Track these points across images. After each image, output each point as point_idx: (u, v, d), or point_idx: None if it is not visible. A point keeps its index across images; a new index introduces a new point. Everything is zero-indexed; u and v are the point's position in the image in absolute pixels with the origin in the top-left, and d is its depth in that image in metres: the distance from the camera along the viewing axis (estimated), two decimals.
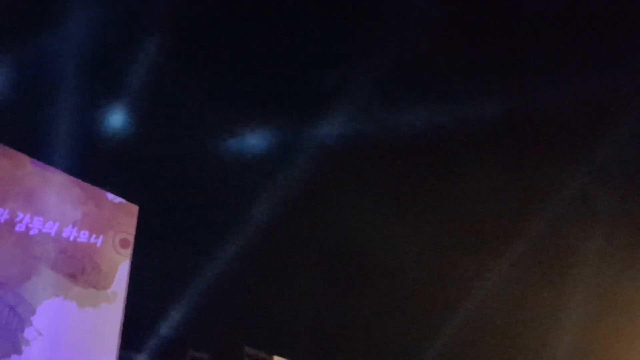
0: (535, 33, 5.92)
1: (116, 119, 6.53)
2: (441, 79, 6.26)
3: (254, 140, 6.83)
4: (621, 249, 7.10)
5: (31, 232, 5.39)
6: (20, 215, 5.37)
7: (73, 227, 5.69)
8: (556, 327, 7.79)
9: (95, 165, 6.22)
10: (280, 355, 7.53)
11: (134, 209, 6.27)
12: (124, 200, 6.20)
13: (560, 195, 6.83)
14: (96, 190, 5.96)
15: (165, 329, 7.40)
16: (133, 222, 6.23)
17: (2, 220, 5.24)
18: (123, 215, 6.18)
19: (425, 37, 5.95)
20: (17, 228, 5.32)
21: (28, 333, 5.19)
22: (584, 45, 5.93)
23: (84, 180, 5.83)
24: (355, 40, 6.21)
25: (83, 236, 5.76)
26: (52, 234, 5.53)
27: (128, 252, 6.10)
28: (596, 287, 7.41)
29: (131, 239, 6.17)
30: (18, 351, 5.07)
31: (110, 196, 6.10)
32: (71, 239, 5.66)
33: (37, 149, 5.58)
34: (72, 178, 5.78)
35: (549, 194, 6.82)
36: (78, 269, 5.68)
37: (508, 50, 6.07)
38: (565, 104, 6.14)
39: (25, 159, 5.50)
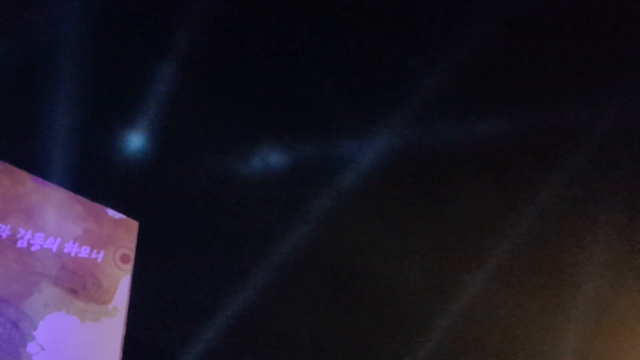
0: (555, 47, 6.01)
1: (118, 134, 6.62)
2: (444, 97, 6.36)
3: (262, 160, 6.91)
4: (618, 257, 7.15)
5: (32, 248, 5.49)
6: (22, 231, 5.46)
7: (74, 242, 5.78)
8: (555, 333, 7.82)
9: (95, 181, 6.32)
10: None
11: (134, 224, 6.36)
12: (124, 216, 6.29)
13: (556, 204, 6.91)
14: (96, 206, 6.05)
15: (165, 344, 7.44)
16: (133, 237, 6.31)
17: (4, 236, 5.33)
18: (123, 231, 6.27)
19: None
20: (18, 244, 5.42)
21: (30, 348, 5.27)
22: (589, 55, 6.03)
23: (84, 196, 5.94)
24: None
25: (84, 252, 5.85)
26: (54, 250, 5.62)
27: (129, 267, 6.18)
28: (595, 295, 7.44)
29: (132, 254, 6.25)
30: None
31: (111, 212, 6.19)
32: (72, 254, 5.75)
33: (37, 165, 5.70)
34: (72, 194, 5.88)
35: (546, 204, 6.89)
36: (79, 284, 5.76)
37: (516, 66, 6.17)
38: (561, 121, 6.26)
39: (25, 175, 5.61)
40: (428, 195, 7.08)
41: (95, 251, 5.93)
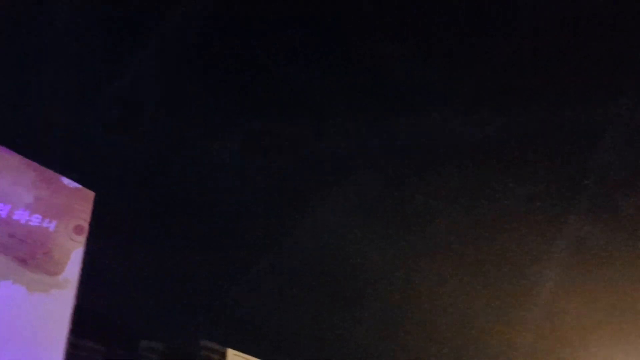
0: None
1: (79, 100, 6.45)
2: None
3: (223, 139, 6.82)
4: (570, 260, 7.24)
5: None
6: None
7: (25, 210, 5.59)
8: (509, 331, 7.92)
9: (50, 147, 6.15)
10: (235, 349, 7.51)
11: (90, 195, 6.17)
12: (79, 186, 6.10)
13: (514, 205, 6.98)
14: (51, 173, 5.86)
15: (118, 317, 7.34)
16: (89, 208, 6.13)
17: None
18: (78, 201, 6.07)
19: None
20: None
21: None
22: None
23: (38, 162, 5.75)
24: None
25: (35, 220, 5.66)
26: (3, 216, 5.42)
27: (82, 238, 6.01)
28: (547, 297, 7.55)
29: (86, 225, 6.08)
30: None
31: (66, 181, 6.00)
32: (22, 222, 5.56)
33: None
34: (24, 159, 5.67)
35: (504, 204, 6.95)
36: (28, 253, 5.58)
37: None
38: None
39: None
40: (398, 187, 7.10)
41: (47, 220, 5.75)
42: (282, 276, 7.79)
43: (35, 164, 5.75)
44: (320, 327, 8.13)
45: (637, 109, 6.13)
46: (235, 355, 7.48)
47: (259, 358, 7.65)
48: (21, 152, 5.66)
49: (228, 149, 6.85)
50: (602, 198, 6.77)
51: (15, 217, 5.51)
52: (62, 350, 5.62)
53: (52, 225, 5.77)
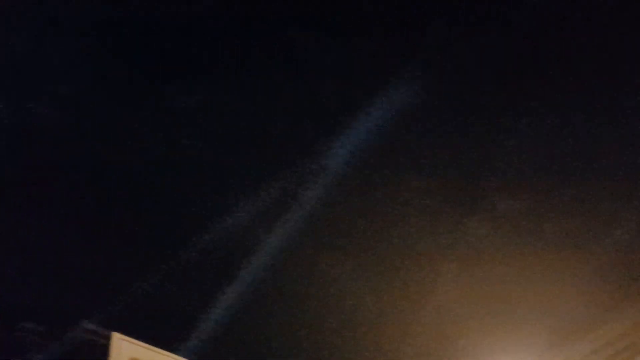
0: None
1: None
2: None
3: (145, 119, 6.58)
4: (466, 261, 7.44)
5: None
6: None
7: None
8: (401, 331, 8.06)
9: None
10: (120, 332, 7.28)
11: None
12: None
13: (406, 200, 7.11)
14: None
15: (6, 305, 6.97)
16: None
17: None
18: None
19: None
20: None
21: None
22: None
23: None
24: None
25: None
26: None
27: None
28: (442, 298, 7.73)
29: None
30: None
31: None
32: None
33: None
34: None
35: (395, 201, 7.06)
36: None
37: None
38: None
39: None
40: (299, 182, 7.08)
41: None
42: (172, 262, 7.61)
43: None
44: (216, 317, 8.02)
45: (538, 121, 6.39)
46: (122, 339, 7.24)
47: (148, 343, 7.46)
48: None
49: (139, 129, 6.59)
50: (496, 200, 7.00)
51: None
52: None
53: None
